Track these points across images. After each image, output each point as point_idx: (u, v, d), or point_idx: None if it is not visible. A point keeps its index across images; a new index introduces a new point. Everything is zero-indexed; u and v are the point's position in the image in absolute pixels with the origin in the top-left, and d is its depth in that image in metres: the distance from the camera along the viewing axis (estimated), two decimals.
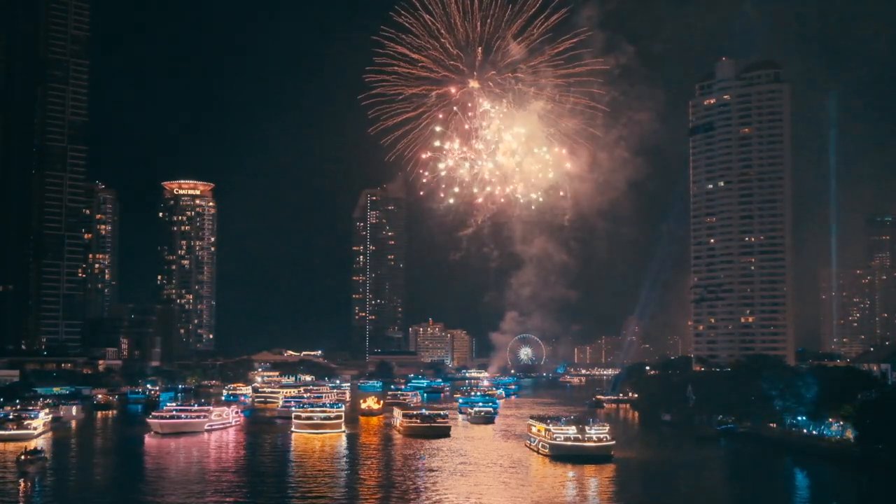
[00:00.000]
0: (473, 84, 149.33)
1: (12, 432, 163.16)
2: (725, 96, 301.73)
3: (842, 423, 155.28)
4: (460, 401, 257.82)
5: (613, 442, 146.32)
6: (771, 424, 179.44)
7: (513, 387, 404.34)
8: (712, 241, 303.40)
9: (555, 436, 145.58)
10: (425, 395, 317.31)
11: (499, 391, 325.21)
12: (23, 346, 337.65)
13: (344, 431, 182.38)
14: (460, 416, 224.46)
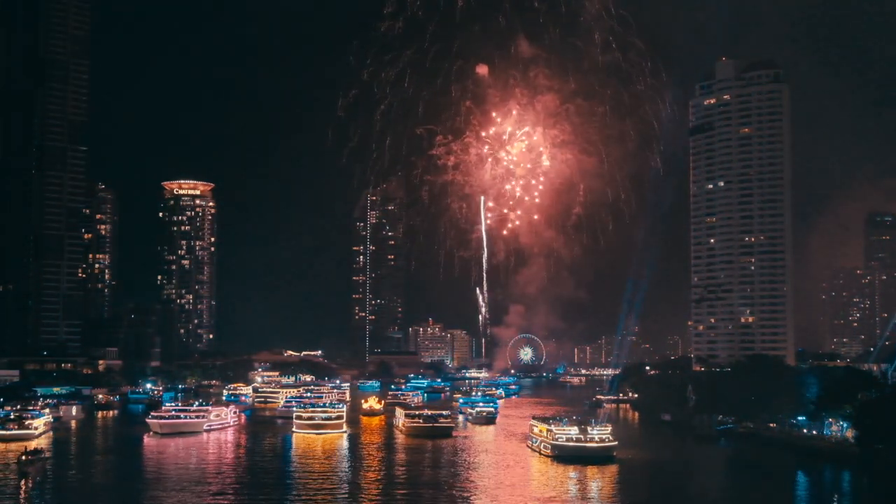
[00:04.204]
0: (481, 71, 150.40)
1: (13, 432, 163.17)
2: (725, 96, 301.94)
3: (842, 423, 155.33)
4: (461, 401, 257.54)
5: (616, 443, 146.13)
6: (771, 424, 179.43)
7: (513, 387, 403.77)
8: (712, 241, 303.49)
9: (556, 436, 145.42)
10: (426, 395, 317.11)
11: (498, 391, 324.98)
12: (23, 347, 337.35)
13: (345, 432, 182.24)
14: (461, 417, 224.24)
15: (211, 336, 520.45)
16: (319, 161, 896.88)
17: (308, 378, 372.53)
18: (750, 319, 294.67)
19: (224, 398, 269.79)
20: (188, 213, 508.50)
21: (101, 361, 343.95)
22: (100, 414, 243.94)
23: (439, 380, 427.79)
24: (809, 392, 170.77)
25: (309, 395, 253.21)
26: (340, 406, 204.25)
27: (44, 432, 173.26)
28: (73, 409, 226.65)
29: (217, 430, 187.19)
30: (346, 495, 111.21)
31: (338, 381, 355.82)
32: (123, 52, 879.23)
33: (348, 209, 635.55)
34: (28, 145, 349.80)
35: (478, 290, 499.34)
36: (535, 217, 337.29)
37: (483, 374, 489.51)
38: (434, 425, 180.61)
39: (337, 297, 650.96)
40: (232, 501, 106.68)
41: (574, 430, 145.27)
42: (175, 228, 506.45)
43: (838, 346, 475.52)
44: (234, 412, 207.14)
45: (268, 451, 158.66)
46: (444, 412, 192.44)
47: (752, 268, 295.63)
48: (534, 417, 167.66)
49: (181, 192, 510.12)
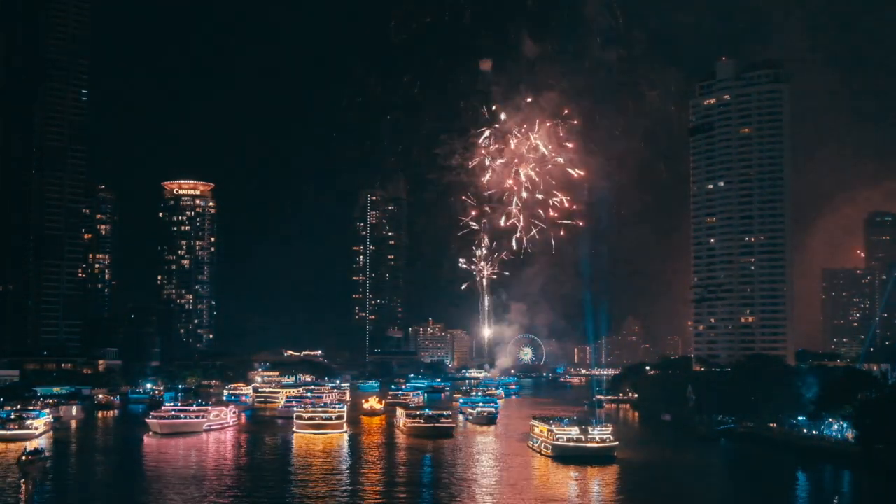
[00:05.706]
0: (485, 67, 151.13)
1: (13, 432, 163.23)
2: (725, 96, 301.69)
3: (842, 423, 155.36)
4: (461, 401, 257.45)
5: (617, 443, 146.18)
6: (771, 424, 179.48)
7: (513, 387, 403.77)
8: (712, 241, 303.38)
9: (557, 436, 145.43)
10: (426, 395, 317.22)
11: (498, 391, 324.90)
12: (23, 347, 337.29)
13: (346, 432, 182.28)
14: (461, 417, 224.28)
15: (211, 336, 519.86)
16: (320, 160, 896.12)
17: (308, 378, 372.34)
18: (750, 319, 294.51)
19: (224, 398, 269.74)
20: (188, 213, 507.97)
21: (101, 361, 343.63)
22: (100, 414, 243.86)
23: (439, 380, 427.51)
24: (809, 392, 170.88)
25: (309, 395, 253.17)
26: (341, 406, 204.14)
27: (44, 432, 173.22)
28: (73, 409, 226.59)
29: (217, 430, 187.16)
30: (347, 495, 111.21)
31: (338, 381, 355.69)
32: (123, 52, 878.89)
33: (348, 209, 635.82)
34: (28, 145, 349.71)
35: (479, 290, 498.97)
36: (539, 215, 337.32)
37: (483, 374, 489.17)
38: (435, 425, 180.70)
39: (337, 297, 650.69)
40: (232, 501, 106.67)
41: (575, 431, 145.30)
42: (175, 228, 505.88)
43: (838, 346, 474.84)
44: (234, 412, 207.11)
45: (268, 451, 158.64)
46: (445, 412, 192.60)
47: (752, 268, 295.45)
48: (534, 417, 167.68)
49: (181, 192, 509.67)
